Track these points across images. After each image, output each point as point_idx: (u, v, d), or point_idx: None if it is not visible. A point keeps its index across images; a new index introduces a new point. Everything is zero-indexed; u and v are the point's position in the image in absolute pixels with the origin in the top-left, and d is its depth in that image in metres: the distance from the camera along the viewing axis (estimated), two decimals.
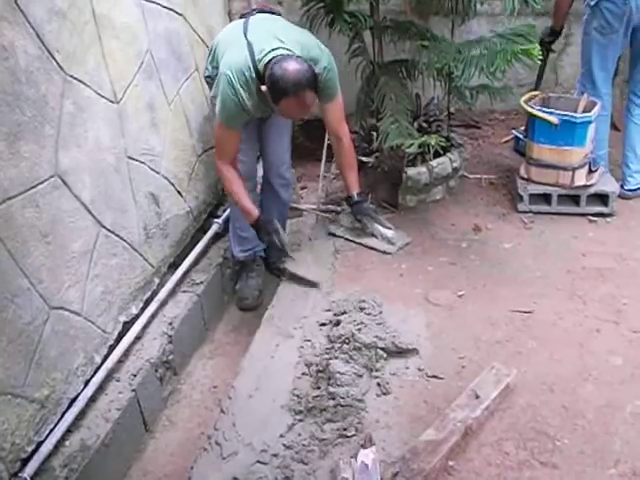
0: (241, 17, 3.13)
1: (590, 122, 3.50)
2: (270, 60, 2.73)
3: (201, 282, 3.35)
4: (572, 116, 3.50)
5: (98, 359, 2.59)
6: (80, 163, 2.44)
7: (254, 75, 2.80)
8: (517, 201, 3.70)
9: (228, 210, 3.60)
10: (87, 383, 2.50)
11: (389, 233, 3.43)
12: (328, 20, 3.57)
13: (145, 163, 2.98)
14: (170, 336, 2.97)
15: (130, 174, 2.84)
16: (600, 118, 3.65)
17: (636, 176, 3.78)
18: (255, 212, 3.14)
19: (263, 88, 2.76)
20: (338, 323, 2.84)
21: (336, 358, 2.62)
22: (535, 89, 4.02)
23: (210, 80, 3.13)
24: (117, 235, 2.72)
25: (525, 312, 2.92)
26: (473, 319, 2.90)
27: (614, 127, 4.69)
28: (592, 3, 3.52)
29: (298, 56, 2.78)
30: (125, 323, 2.80)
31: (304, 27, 3.24)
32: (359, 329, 2.75)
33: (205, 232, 3.60)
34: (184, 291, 3.26)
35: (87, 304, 2.49)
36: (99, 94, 2.57)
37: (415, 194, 3.74)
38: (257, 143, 3.35)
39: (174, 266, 3.28)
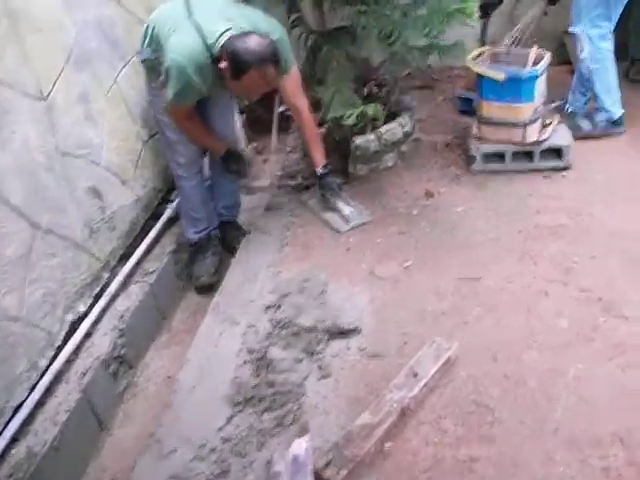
0: None
1: (536, 76, 3.38)
2: (226, 41, 2.71)
3: (153, 271, 3.28)
4: (517, 71, 3.38)
5: (44, 363, 2.55)
6: (6, 166, 2.38)
7: (209, 60, 2.76)
8: (471, 161, 3.60)
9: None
10: (33, 388, 2.47)
11: (346, 210, 3.35)
12: None
13: (82, 157, 2.90)
14: (122, 330, 2.92)
15: (65, 171, 2.76)
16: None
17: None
18: (221, 146, 3.22)
19: (223, 64, 2.71)
20: (280, 306, 2.79)
21: (275, 344, 2.58)
22: (482, 45, 3.88)
23: (149, 64, 3.05)
24: (56, 234, 2.66)
25: (473, 279, 2.85)
26: (419, 291, 2.84)
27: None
28: None
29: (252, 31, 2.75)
30: (74, 322, 2.76)
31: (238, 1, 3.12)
32: (299, 312, 2.71)
33: (159, 219, 3.54)
34: (136, 282, 3.21)
35: (27, 308, 2.44)
36: (23, 93, 2.50)
37: (365, 162, 3.65)
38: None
39: (126, 257, 3.22)
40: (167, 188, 3.67)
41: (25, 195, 2.47)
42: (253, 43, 2.68)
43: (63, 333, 2.68)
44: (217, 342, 2.76)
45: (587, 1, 3.59)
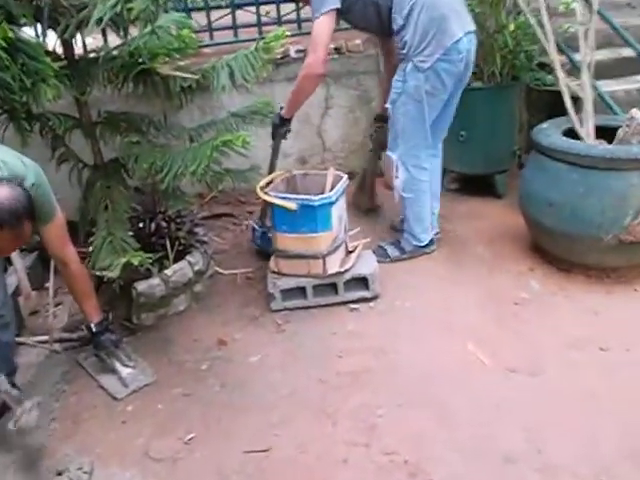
0: None
1: (332, 203, 3.09)
2: None
3: None
4: (309, 199, 3.07)
5: None
6: None
7: None
8: (270, 299, 3.21)
9: None
10: None
11: (124, 372, 2.86)
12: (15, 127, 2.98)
13: None
14: None
15: None
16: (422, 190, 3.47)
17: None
18: None
19: None
20: None
21: None
22: (270, 172, 3.57)
23: None
24: None
25: (261, 451, 2.40)
26: (199, 474, 2.36)
27: (386, 187, 4.38)
28: (425, 66, 3.16)
29: (2, 178, 2.27)
30: None
31: None
32: None
33: None
34: None
35: None
36: None
37: (152, 310, 3.19)
38: None
39: None
40: None
41: None
42: (3, 198, 2.20)
43: None
44: None
45: (403, 127, 3.38)
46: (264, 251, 3.61)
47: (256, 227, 3.74)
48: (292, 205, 3.08)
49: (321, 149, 4.64)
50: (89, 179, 3.27)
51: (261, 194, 3.19)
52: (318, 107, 4.53)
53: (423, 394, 2.60)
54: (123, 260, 2.72)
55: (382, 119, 3.81)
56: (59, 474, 2.42)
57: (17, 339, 3.25)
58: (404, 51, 3.27)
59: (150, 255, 2.83)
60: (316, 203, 3.07)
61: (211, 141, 2.84)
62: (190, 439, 2.52)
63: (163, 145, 3.17)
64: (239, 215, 4.30)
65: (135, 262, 2.71)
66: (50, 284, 3.52)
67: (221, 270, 3.63)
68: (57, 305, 3.72)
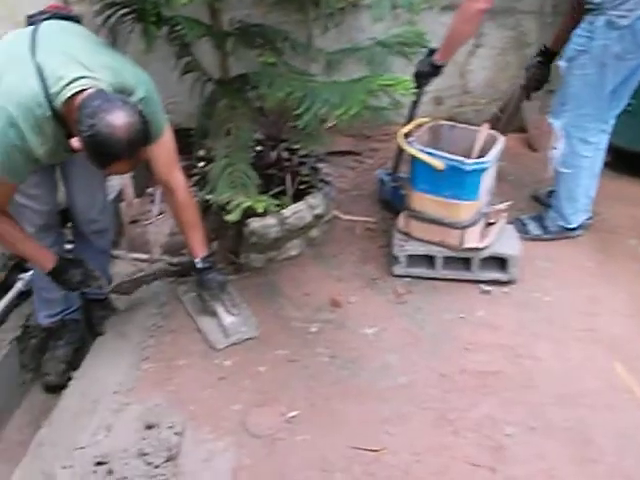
0: (29, 23, 2.27)
1: (484, 170, 2.67)
2: (73, 95, 1.97)
3: None
4: (460, 161, 2.66)
5: None
6: None
7: (49, 113, 2.02)
8: (392, 262, 2.87)
9: None
10: None
11: (227, 319, 2.61)
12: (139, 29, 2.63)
13: None
14: None
15: None
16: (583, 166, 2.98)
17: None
18: (49, 256, 2.42)
19: (75, 144, 1.97)
20: (111, 472, 2.04)
21: None
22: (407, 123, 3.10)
23: None
24: None
25: (371, 450, 2.12)
26: (299, 462, 2.11)
27: (530, 147, 3.91)
28: (624, 23, 2.64)
29: (117, 95, 2.03)
30: None
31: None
32: None
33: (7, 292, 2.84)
34: None
35: None
36: None
37: (262, 252, 2.90)
38: (55, 185, 2.58)
39: None
40: None
41: None
42: (119, 125, 1.91)
43: None
44: None
45: (576, 91, 2.87)
46: (392, 206, 3.21)
47: (385, 179, 3.32)
48: (439, 164, 2.68)
49: (460, 91, 4.14)
50: (213, 95, 2.94)
51: (404, 144, 2.78)
52: (466, 43, 4.00)
53: (560, 418, 2.25)
54: (245, 203, 2.41)
55: (547, 55, 3.25)
56: (149, 427, 2.20)
57: (114, 252, 3.05)
58: (597, 0, 2.72)
59: (277, 202, 2.50)
60: (468, 167, 2.66)
61: (364, 81, 2.44)
62: (292, 417, 2.26)
63: (302, 73, 2.76)
64: (362, 151, 3.89)
65: (259, 208, 2.39)
66: (156, 195, 3.26)
67: (340, 214, 3.27)
68: (160, 214, 3.49)
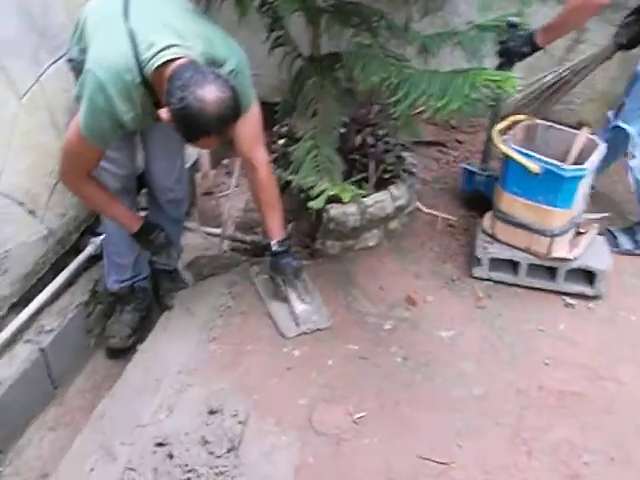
0: None
1: (582, 177, 2.52)
2: (164, 63, 1.92)
3: (51, 330, 2.58)
4: (558, 166, 2.51)
5: None
6: None
7: (139, 80, 1.98)
8: (473, 263, 2.75)
9: None
10: None
11: (299, 307, 2.54)
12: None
13: None
14: None
15: None
16: None
17: None
18: (135, 218, 2.45)
19: (164, 115, 1.92)
20: (172, 457, 2.01)
21: None
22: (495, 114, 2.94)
23: (76, 66, 2.23)
24: None
25: (440, 463, 2.03)
26: (364, 466, 2.04)
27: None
28: None
29: (209, 67, 1.96)
30: None
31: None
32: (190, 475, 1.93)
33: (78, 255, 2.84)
34: (26, 341, 2.51)
35: None
36: None
37: (340, 239, 2.82)
38: (135, 150, 2.57)
39: (20, 307, 2.54)
40: (94, 218, 2.89)
41: None
42: (211, 99, 1.85)
43: None
44: None
45: None
46: (485, 196, 3.04)
47: (474, 170, 3.16)
48: (536, 167, 2.54)
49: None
50: (301, 72, 2.84)
51: (499, 143, 2.65)
52: (566, 37, 3.78)
53: None
54: (330, 191, 2.31)
55: None
56: (212, 412, 2.16)
57: (186, 224, 3.01)
58: None
59: (362, 192, 2.40)
60: (567, 173, 2.51)
61: (469, 74, 2.30)
62: (360, 417, 2.19)
63: (399, 58, 2.64)
64: (447, 142, 3.75)
65: (345, 198, 2.29)
66: (234, 167, 3.20)
67: (421, 206, 3.15)
68: (235, 186, 3.42)
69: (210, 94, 1.86)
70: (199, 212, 3.47)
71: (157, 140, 2.52)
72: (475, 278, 2.77)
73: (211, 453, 2.00)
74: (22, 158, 2.43)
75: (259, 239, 3.06)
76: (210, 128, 1.91)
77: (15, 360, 2.43)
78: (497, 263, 2.73)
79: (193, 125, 1.91)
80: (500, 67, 2.70)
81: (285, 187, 2.77)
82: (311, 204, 2.39)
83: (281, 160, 2.99)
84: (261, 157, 2.43)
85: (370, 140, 3.00)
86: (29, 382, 2.46)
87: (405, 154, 3.09)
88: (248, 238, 3.08)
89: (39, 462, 2.36)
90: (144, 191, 2.77)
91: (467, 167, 3.19)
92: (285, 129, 3.11)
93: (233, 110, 1.94)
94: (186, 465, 1.96)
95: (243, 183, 3.22)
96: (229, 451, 2.01)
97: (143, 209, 2.82)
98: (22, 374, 2.42)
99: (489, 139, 2.84)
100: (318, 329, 2.51)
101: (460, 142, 3.74)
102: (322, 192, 2.37)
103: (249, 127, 2.31)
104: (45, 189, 2.60)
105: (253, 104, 2.30)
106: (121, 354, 2.76)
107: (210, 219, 3.44)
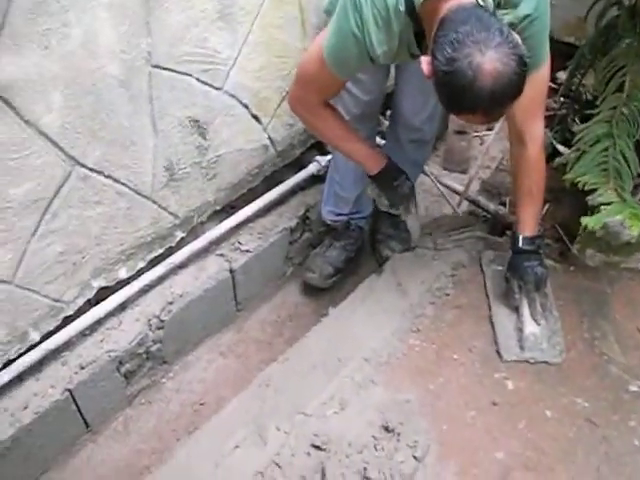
0: None
1: None
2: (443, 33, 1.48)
3: (247, 250, 2.46)
4: None
5: (36, 336, 1.99)
6: (45, 73, 1.66)
7: (403, 7, 1.60)
8: None
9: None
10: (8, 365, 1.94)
11: (528, 328, 2.05)
12: None
13: (188, 75, 2.06)
14: (162, 321, 2.21)
15: (153, 90, 1.96)
16: None
17: None
18: (377, 157, 2.13)
19: (425, 67, 1.51)
20: (324, 474, 1.75)
21: None
22: None
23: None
24: (109, 176, 1.96)
25: None
26: None
27: None
28: None
29: (495, 19, 1.48)
30: (102, 290, 2.14)
31: None
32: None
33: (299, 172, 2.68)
34: (218, 255, 2.43)
35: (26, 267, 1.85)
36: None
37: (604, 251, 2.23)
38: (387, 75, 2.27)
39: (221, 218, 2.46)
40: None
41: (70, 118, 1.77)
42: (488, 74, 1.41)
43: (81, 301, 2.08)
44: (224, 459, 1.81)
45: None
46: None
47: None
48: None
49: None
50: (614, 26, 2.27)
51: None
52: None
53: None
54: (613, 213, 1.73)
55: None
56: (386, 429, 1.85)
57: (425, 168, 2.77)
58: None
59: None
60: None
61: None
62: None
63: None
64: None
65: (634, 230, 1.71)
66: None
67: None
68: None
69: (489, 64, 1.41)
70: (445, 151, 3.08)
71: (413, 72, 2.06)
72: None
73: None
74: (256, 55, 2.24)
75: (504, 212, 2.56)
76: (478, 106, 1.49)
77: (202, 274, 2.37)
78: None
79: (457, 97, 1.49)
80: None
81: (548, 159, 2.23)
82: (585, 220, 1.84)
83: (553, 124, 2.42)
84: (537, 133, 1.94)
85: None
86: (212, 300, 2.40)
87: None
88: (492, 207, 2.59)
89: (200, 386, 2.35)
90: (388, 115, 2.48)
91: None
92: (571, 86, 2.48)
93: (513, 90, 1.48)
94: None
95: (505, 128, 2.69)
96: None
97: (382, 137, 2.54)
98: (205, 291, 2.34)
99: None
100: (545, 362, 2.01)
101: None
102: (604, 205, 1.78)
103: (530, 92, 1.72)
104: (276, 94, 2.41)
105: (544, 65, 1.79)
106: (316, 292, 2.59)
107: (455, 163, 3.07)
